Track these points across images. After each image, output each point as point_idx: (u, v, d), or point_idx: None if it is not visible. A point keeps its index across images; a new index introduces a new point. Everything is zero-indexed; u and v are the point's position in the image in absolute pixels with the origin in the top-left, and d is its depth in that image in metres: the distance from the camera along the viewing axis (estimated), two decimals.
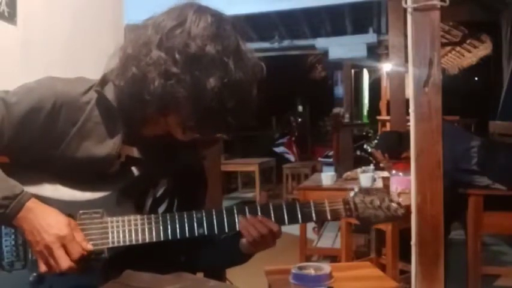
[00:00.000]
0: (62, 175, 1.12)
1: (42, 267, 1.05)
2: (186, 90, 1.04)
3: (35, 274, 1.08)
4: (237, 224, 1.17)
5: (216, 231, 1.16)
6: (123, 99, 1.12)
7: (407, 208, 1.29)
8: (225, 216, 1.17)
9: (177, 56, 1.04)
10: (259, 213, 1.19)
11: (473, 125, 6.64)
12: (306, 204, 1.22)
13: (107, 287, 1.14)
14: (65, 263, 1.03)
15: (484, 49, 6.73)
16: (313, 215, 1.21)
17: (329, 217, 1.22)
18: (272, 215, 1.19)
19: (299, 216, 1.20)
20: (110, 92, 1.13)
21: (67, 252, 1.04)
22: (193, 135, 1.17)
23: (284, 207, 1.20)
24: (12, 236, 1.09)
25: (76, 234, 1.06)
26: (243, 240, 1.24)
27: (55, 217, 1.06)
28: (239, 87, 1.07)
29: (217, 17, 1.10)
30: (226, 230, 1.17)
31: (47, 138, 1.09)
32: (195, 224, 1.14)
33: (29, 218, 1.04)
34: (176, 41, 1.05)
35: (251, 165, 6.55)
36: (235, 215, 1.17)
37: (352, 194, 1.27)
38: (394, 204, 1.25)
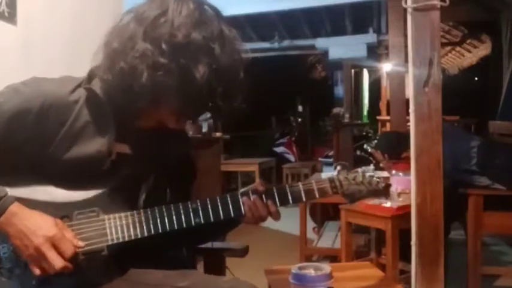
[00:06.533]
0: (54, 176, 1.11)
1: (36, 271, 1.03)
2: (176, 80, 1.04)
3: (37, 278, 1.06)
4: (231, 211, 1.20)
5: (212, 219, 1.18)
6: (112, 94, 1.11)
7: (388, 183, 1.31)
8: (219, 204, 1.20)
9: (163, 46, 1.04)
10: (251, 197, 1.22)
11: (473, 125, 6.64)
12: (294, 186, 1.25)
13: (116, 284, 1.14)
14: (58, 263, 1.03)
15: (484, 49, 6.73)
16: (303, 194, 1.24)
17: (317, 195, 1.25)
18: (264, 198, 1.23)
19: (289, 197, 1.24)
20: (97, 88, 1.13)
21: (59, 252, 1.03)
22: (188, 122, 1.19)
23: (275, 190, 1.24)
24: (10, 242, 1.07)
25: (65, 233, 1.05)
26: None
27: (41, 219, 1.04)
28: (227, 70, 1.07)
29: (199, 4, 1.10)
30: (222, 218, 1.19)
31: (37, 139, 1.08)
32: (191, 214, 1.17)
33: (14, 222, 1.02)
34: (161, 31, 1.05)
35: (251, 165, 6.55)
36: (229, 203, 1.21)
37: (335, 172, 1.31)
38: (375, 179, 1.28)
